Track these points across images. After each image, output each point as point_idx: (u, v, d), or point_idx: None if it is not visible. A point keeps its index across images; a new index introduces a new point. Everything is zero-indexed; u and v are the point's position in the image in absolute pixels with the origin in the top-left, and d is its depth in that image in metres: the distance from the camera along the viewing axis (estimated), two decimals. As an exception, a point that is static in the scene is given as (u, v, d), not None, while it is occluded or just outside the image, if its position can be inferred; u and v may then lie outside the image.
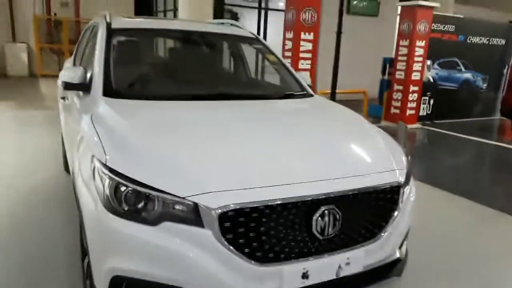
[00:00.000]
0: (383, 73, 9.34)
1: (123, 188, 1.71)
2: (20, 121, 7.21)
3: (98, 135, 2.01)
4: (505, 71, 10.37)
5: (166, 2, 13.61)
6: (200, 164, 1.79)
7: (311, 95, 3.04)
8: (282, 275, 1.73)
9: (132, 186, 1.70)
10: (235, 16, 13.20)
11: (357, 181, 1.90)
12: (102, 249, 1.76)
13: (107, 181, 1.75)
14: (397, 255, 2.13)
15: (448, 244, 3.36)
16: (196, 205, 1.63)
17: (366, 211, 1.94)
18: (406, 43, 8.46)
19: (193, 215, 1.64)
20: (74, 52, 4.40)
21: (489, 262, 3.12)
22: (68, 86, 2.62)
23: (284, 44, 7.50)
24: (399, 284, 2.62)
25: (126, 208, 1.70)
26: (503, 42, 10.12)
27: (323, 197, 1.77)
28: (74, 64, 4.03)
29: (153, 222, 1.66)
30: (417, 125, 8.90)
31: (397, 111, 8.80)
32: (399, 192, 2.04)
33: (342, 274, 1.86)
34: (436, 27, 8.83)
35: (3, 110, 7.85)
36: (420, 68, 8.61)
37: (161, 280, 1.66)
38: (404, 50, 8.53)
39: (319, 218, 1.76)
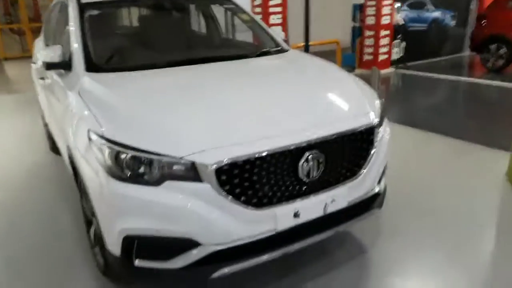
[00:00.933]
0: (354, 20, 9.40)
1: (123, 156, 1.84)
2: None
3: (89, 109, 2.11)
4: (471, 6, 10.54)
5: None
6: (192, 125, 1.94)
7: (286, 50, 3.16)
8: (276, 216, 1.93)
9: (131, 152, 1.83)
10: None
11: (335, 126, 2.08)
12: (111, 213, 1.92)
13: (107, 151, 1.88)
14: (376, 189, 2.36)
15: (423, 177, 3.64)
16: (193, 163, 1.79)
17: (346, 152, 2.13)
18: (373, -13, 8.48)
19: (191, 172, 1.80)
20: (42, 31, 4.34)
21: (458, 191, 3.42)
22: (49, 66, 2.68)
23: (252, 0, 7.46)
24: (380, 216, 2.91)
25: (128, 174, 1.84)
26: (467, -24, 10.23)
27: (306, 144, 1.95)
28: (46, 44, 4.01)
29: (156, 182, 1.82)
30: (390, 69, 9.11)
31: (370, 57, 8.95)
32: (373, 132, 2.23)
33: (329, 211, 2.08)
34: (402, -32, 8.85)
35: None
36: (389, 12, 8.69)
37: (169, 234, 1.85)
38: (372, -5, 8.56)
39: (304, 163, 1.95)
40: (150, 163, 1.83)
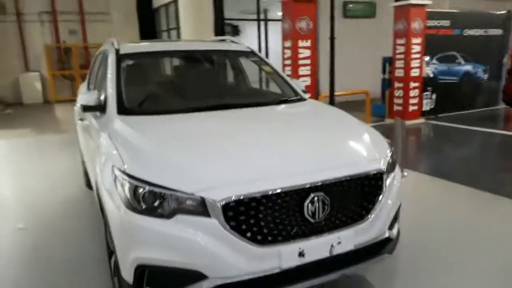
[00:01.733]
0: (384, 72, 9.59)
1: (140, 190, 2.02)
2: (40, 145, 7.65)
3: (116, 147, 2.33)
4: (504, 60, 10.52)
5: (169, 21, 14.10)
6: (204, 164, 2.10)
7: (304, 99, 3.34)
8: (281, 254, 2.01)
9: (148, 187, 2.01)
10: (236, 30, 13.59)
11: (342, 170, 2.19)
12: (126, 243, 2.07)
13: (127, 185, 2.06)
14: (387, 234, 2.39)
15: (446, 228, 3.59)
16: (203, 199, 1.93)
17: (353, 196, 2.22)
18: (402, 41, 8.71)
19: (201, 208, 1.94)
20: (87, 77, 4.77)
21: (479, 244, 3.34)
22: (86, 108, 2.97)
23: (283, 53, 7.84)
24: (392, 262, 2.90)
25: (144, 206, 2.01)
26: (500, 32, 10.29)
27: (312, 185, 2.06)
28: (88, 88, 4.40)
29: (168, 215, 1.97)
30: (421, 120, 9.11)
31: (400, 108, 9.02)
32: (382, 178, 2.31)
33: (335, 252, 2.14)
34: (431, 23, 9.07)
35: (23, 136, 8.31)
36: (418, 65, 8.83)
37: (178, 264, 1.96)
38: (401, 49, 8.77)
39: (310, 204, 2.05)
40: (163, 197, 1.98)
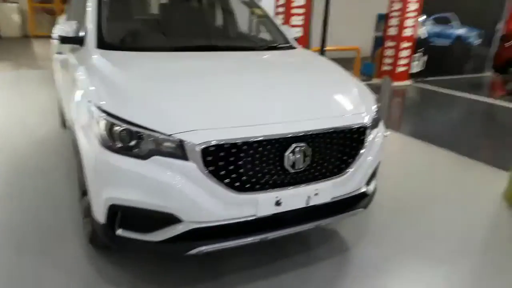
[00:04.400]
0: (377, 29, 9.38)
1: (116, 128, 1.93)
2: (16, 81, 7.35)
3: (93, 83, 2.22)
4: (498, 26, 10.39)
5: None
6: (185, 106, 2.02)
7: (294, 48, 3.21)
8: (258, 202, 1.99)
9: (124, 125, 1.92)
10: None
11: (326, 121, 2.13)
12: (100, 182, 2.01)
13: (103, 122, 1.97)
14: (363, 189, 2.39)
15: (421, 187, 3.65)
16: (181, 141, 1.87)
17: (334, 149, 2.18)
18: (399, -3, 8.44)
19: (179, 150, 1.88)
20: (66, 9, 4.49)
21: (452, 204, 3.41)
22: (63, 39, 2.80)
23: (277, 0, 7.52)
24: (369, 218, 2.95)
25: (120, 145, 1.93)
26: (498, -3, 10.09)
27: (294, 135, 2.00)
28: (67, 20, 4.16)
29: (144, 156, 1.90)
30: (408, 82, 9.06)
31: (389, 68, 8.91)
32: (365, 133, 2.27)
33: (311, 203, 2.13)
34: (431, -18, 8.80)
35: (-2, 70, 7.96)
36: (413, 24, 8.64)
37: (152, 207, 1.92)
38: (397, 5, 8.53)
39: (290, 154, 2.00)
40: (140, 137, 1.91)
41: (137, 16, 3.35)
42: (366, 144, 2.29)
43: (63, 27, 2.81)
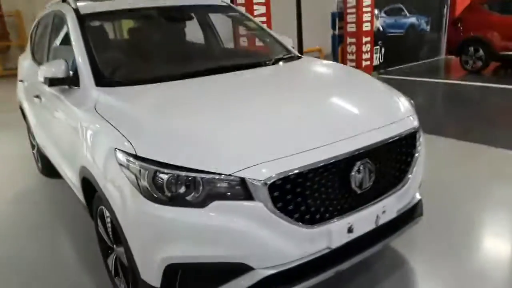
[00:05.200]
0: (334, 28, 9.47)
1: (162, 175, 1.66)
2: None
3: (113, 125, 1.92)
4: (444, 11, 10.83)
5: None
6: (234, 139, 1.77)
7: (300, 57, 3.04)
8: (331, 232, 1.78)
9: (171, 171, 1.65)
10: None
11: (383, 131, 1.97)
12: (150, 241, 1.71)
13: (142, 171, 1.69)
14: (418, 196, 2.25)
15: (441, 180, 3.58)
16: (243, 180, 1.62)
17: (393, 158, 2.02)
18: (353, -6, 8.56)
19: (241, 190, 1.63)
20: (29, 46, 4.07)
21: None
22: (53, 82, 2.46)
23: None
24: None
25: (169, 195, 1.66)
26: (439, -17, 10.51)
27: (357, 152, 1.82)
28: (34, 59, 3.75)
29: (201, 203, 1.64)
30: (373, 75, 9.19)
31: (353, 64, 9.00)
32: (416, 136, 2.13)
33: (380, 222, 1.95)
34: (379, -25, 9.00)
35: None
36: (369, 18, 8.78)
37: (218, 259, 1.66)
38: (352, 2, 8.64)
39: (356, 173, 1.81)
40: (194, 182, 1.64)
41: (128, 43, 3.03)
42: (419, 147, 2.15)
43: (49, 68, 2.47)
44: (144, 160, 1.70)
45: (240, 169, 1.63)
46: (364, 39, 8.85)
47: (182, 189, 1.66)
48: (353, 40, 8.89)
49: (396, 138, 1.99)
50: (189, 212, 1.64)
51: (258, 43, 3.25)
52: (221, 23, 3.53)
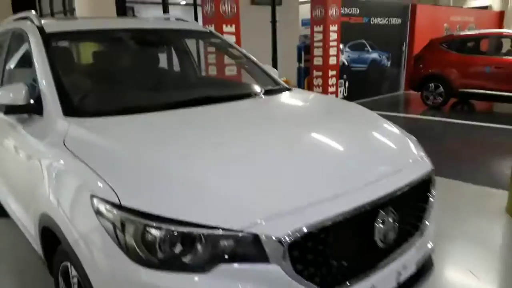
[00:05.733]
0: (299, 60, 9.50)
1: (154, 232, 1.33)
2: None
3: (88, 166, 1.57)
4: (403, 48, 11.24)
5: (53, 3, 12.19)
6: (242, 185, 1.48)
7: (289, 89, 2.81)
8: None
9: (165, 226, 1.33)
10: (132, 14, 12.34)
11: (404, 175, 1.75)
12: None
13: (127, 226, 1.35)
14: (431, 244, 2.04)
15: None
16: (256, 236, 1.32)
17: (412, 205, 1.80)
18: (320, 28, 8.64)
19: (253, 250, 1.33)
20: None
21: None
22: (10, 109, 2.07)
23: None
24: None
25: (162, 257, 1.32)
26: (399, 21, 10.92)
27: (382, 200, 1.58)
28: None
29: (203, 268, 1.32)
30: (338, 108, 9.22)
31: (319, 96, 8.99)
32: (431, 179, 1.94)
33: (401, 280, 1.71)
34: (344, 11, 9.18)
35: None
36: (335, 53, 8.87)
37: None
38: (319, 36, 8.71)
39: (379, 223, 1.57)
40: (194, 239, 1.33)
41: (99, 67, 2.66)
42: (434, 191, 1.95)
43: (6, 93, 2.08)
44: (131, 211, 1.36)
45: (252, 223, 1.34)
46: (330, 73, 8.89)
47: (179, 249, 1.33)
48: (319, 73, 8.92)
49: (415, 182, 1.77)
50: (188, 279, 1.31)
51: (242, 72, 3.00)
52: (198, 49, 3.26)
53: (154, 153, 1.63)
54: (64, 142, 1.77)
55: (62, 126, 1.91)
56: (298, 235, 1.34)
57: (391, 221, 1.60)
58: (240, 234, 1.32)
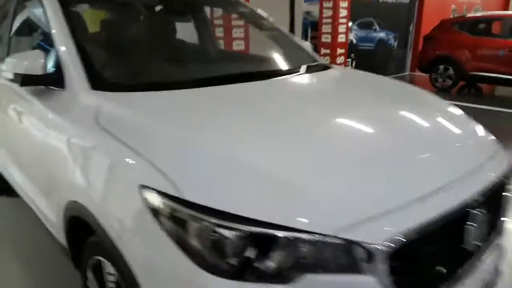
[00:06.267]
0: (305, 38, 9.18)
1: (226, 233, 1.10)
2: None
3: (133, 150, 1.32)
4: (410, 28, 10.94)
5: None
6: (326, 184, 1.24)
7: (330, 67, 2.53)
8: None
9: (240, 227, 1.10)
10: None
11: (490, 170, 1.54)
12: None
13: (192, 225, 1.12)
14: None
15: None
16: (348, 243, 1.10)
17: (495, 203, 1.59)
18: (330, 4, 8.29)
19: (345, 259, 1.11)
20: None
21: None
22: (28, 80, 1.80)
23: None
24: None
25: (236, 263, 1.10)
26: (408, 0, 10.59)
27: (475, 197, 1.36)
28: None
29: (286, 278, 1.10)
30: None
31: (326, 76, 8.72)
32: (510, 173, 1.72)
33: (488, 281, 1.52)
34: (353, -12, 8.83)
35: None
36: (344, 30, 8.55)
37: None
38: (328, 12, 8.36)
39: (470, 225, 1.36)
40: (275, 244, 1.10)
41: (126, 36, 2.35)
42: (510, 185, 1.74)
43: (20, 61, 1.80)
44: (197, 207, 1.13)
45: (344, 228, 1.11)
46: (339, 51, 8.60)
47: (256, 255, 1.10)
48: (327, 51, 8.60)
49: (503, 176, 1.56)
50: (266, 290, 1.09)
51: (274, 47, 2.71)
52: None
53: (218, 138, 1.38)
54: (97, 121, 1.51)
55: (92, 101, 1.64)
56: (396, 242, 1.13)
57: (480, 221, 1.39)
58: (329, 240, 1.10)
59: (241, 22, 2.88)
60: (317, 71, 2.36)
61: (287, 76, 2.19)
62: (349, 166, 1.32)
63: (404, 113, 1.86)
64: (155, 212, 1.18)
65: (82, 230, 1.58)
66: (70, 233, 1.72)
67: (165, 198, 1.17)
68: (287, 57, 2.53)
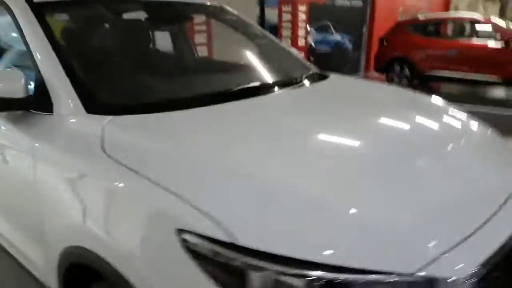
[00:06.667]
0: (264, 41, 9.13)
1: (293, 282, 0.94)
2: None
3: (160, 185, 1.12)
4: (363, 30, 11.22)
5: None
6: (393, 215, 1.10)
7: (326, 76, 2.41)
8: None
9: (309, 273, 0.94)
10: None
11: None
12: None
13: (253, 275, 0.95)
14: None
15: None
16: (432, 281, 0.98)
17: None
18: (288, 8, 8.29)
19: None
20: None
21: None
22: (6, 104, 1.52)
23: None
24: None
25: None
26: (360, 3, 10.86)
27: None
28: None
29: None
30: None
31: (287, 79, 8.71)
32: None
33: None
34: (308, -8, 8.89)
35: None
36: (304, 34, 8.59)
37: None
38: (287, 16, 8.36)
39: None
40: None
41: (108, 48, 2.06)
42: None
43: None
44: (256, 254, 0.96)
45: (426, 263, 0.99)
46: (299, 55, 8.62)
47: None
48: (288, 55, 8.60)
49: None
50: None
51: (265, 56, 2.55)
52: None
53: (258, 165, 1.21)
54: (106, 152, 1.29)
55: (91, 128, 1.41)
56: (478, 274, 1.02)
57: None
58: (412, 279, 0.97)
59: (237, 32, 2.70)
60: (318, 80, 2.25)
61: (294, 87, 2.05)
62: (410, 195, 1.21)
63: (435, 127, 1.77)
64: (196, 259, 1.00)
65: (84, 277, 1.36)
66: (66, 282, 1.48)
67: (211, 243, 0.99)
68: (287, 67, 2.41)
